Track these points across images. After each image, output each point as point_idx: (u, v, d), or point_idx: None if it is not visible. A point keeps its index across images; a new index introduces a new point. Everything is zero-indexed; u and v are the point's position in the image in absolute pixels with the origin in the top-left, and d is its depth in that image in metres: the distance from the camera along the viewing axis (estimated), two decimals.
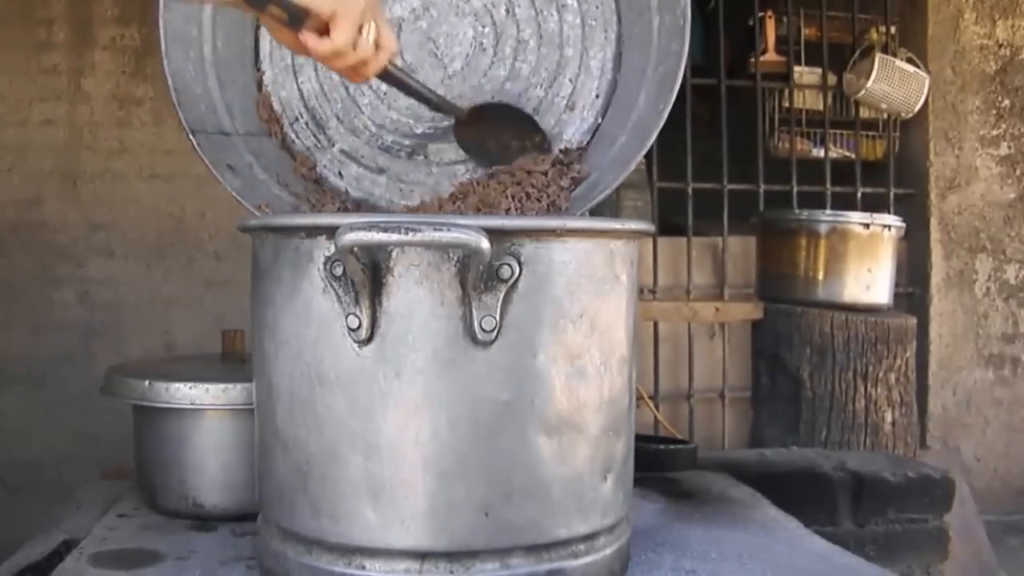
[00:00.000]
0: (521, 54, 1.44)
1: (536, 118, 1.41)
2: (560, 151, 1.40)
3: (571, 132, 1.43)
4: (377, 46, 1.12)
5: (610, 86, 1.43)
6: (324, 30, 1.07)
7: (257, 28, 1.45)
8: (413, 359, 0.92)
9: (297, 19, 1.06)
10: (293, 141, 1.46)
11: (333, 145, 1.46)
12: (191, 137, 1.31)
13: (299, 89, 1.45)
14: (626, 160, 1.30)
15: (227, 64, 1.40)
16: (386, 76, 1.21)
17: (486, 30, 1.44)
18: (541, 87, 1.44)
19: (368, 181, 1.45)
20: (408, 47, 1.44)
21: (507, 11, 1.43)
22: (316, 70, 1.45)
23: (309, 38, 1.07)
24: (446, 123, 1.44)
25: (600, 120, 1.42)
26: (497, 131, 1.38)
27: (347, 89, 1.45)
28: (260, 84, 1.45)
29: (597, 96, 1.43)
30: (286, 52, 1.45)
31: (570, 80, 1.43)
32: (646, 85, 1.36)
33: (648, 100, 1.35)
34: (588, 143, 1.42)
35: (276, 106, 1.45)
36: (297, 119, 1.45)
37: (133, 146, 3.10)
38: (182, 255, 3.13)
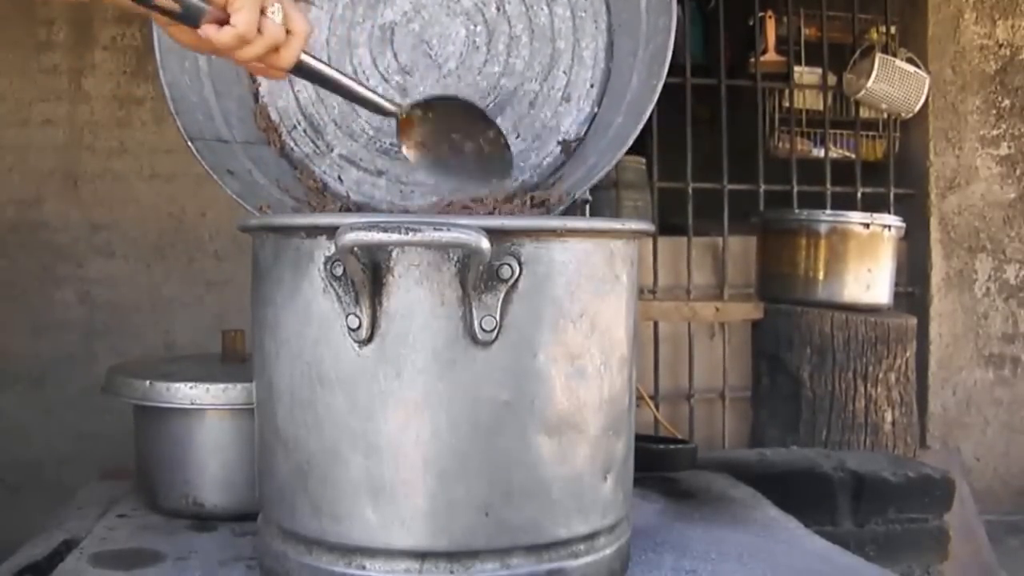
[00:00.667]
0: (514, 50, 1.44)
1: (494, 111, 1.36)
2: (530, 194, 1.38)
3: (568, 123, 1.43)
4: (287, 31, 1.02)
5: (604, 75, 1.43)
6: (224, 21, 0.98)
7: None
8: (413, 359, 0.92)
9: (192, 12, 0.97)
10: (292, 148, 1.46)
11: (332, 150, 1.46)
12: (190, 144, 1.31)
13: (295, 97, 1.45)
14: (622, 139, 1.30)
15: (222, 75, 1.40)
16: (304, 70, 1.08)
17: (478, 28, 1.44)
18: (536, 81, 1.44)
19: (368, 184, 1.45)
20: (402, 50, 1.44)
21: (498, 8, 1.44)
22: None
23: (210, 30, 0.98)
24: None
25: (597, 109, 1.43)
26: (447, 131, 1.27)
27: None
28: (256, 95, 1.45)
29: (592, 86, 1.43)
30: None
31: (564, 72, 1.44)
32: (638, 67, 1.36)
33: (640, 79, 1.35)
34: (586, 133, 1.43)
35: (273, 115, 1.45)
36: (295, 126, 1.45)
37: (133, 146, 3.10)
38: (182, 255, 3.14)
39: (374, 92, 1.22)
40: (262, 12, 0.99)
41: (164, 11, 0.97)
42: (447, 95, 1.38)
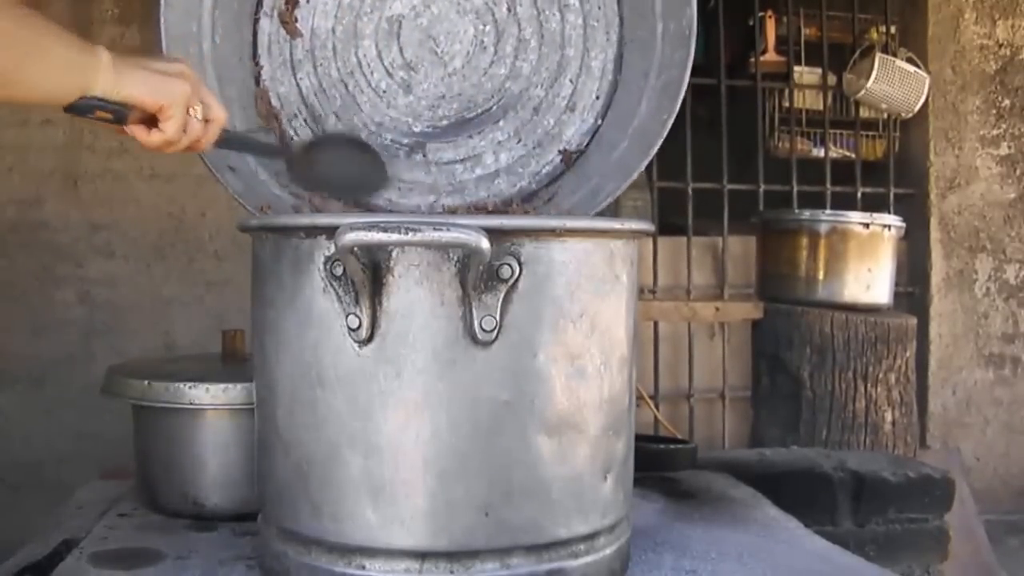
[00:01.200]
0: (522, 53, 1.44)
1: (376, 148, 1.43)
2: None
3: (570, 133, 1.43)
4: (207, 120, 1.10)
5: (611, 87, 1.43)
6: (151, 121, 1.06)
7: (256, 21, 1.44)
8: (413, 359, 0.92)
9: (122, 117, 1.04)
10: (292, 137, 1.45)
11: None
12: None
13: (298, 85, 1.45)
14: (629, 168, 1.31)
15: (225, 60, 1.39)
16: (220, 143, 1.17)
17: (487, 28, 1.44)
18: (542, 87, 1.44)
19: None
20: (408, 45, 1.44)
21: (509, 9, 1.43)
22: (315, 67, 1.45)
23: (138, 132, 1.06)
24: (445, 122, 1.44)
25: (600, 122, 1.43)
26: (332, 160, 1.37)
27: (346, 87, 1.44)
28: (258, 79, 1.44)
29: (597, 97, 1.43)
30: (285, 47, 1.44)
31: (571, 80, 1.43)
32: (648, 92, 1.36)
33: (650, 108, 1.35)
34: (587, 145, 1.42)
35: (274, 102, 1.44)
36: (295, 115, 1.45)
37: (133, 146, 3.05)
38: (182, 255, 3.14)
39: (279, 144, 1.38)
40: (187, 113, 1.07)
41: (99, 119, 1.04)
42: (334, 133, 1.44)
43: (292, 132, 1.45)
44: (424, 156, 1.45)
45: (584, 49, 1.43)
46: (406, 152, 1.45)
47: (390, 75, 1.44)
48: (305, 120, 1.45)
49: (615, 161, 1.36)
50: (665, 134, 1.29)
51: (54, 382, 3.01)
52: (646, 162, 1.30)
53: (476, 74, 1.44)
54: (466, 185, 1.44)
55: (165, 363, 1.47)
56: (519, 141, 1.44)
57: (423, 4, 1.44)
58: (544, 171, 1.43)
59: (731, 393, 3.33)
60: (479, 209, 1.41)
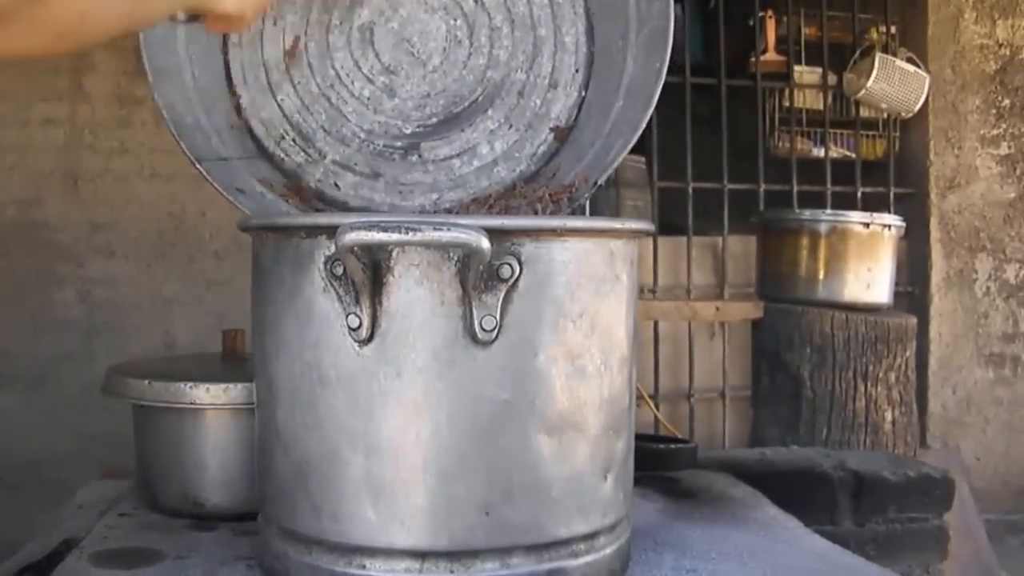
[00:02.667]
0: (497, 41, 1.45)
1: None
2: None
3: (558, 109, 1.44)
4: None
5: (587, 59, 1.44)
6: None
7: (225, 53, 1.41)
8: (413, 358, 0.92)
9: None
10: (283, 159, 1.43)
11: (324, 157, 1.44)
12: (198, 166, 1.29)
13: (280, 107, 1.43)
14: (633, 122, 1.32)
15: (207, 91, 1.37)
16: None
17: (458, 22, 1.45)
18: (522, 70, 1.45)
19: (366, 188, 1.44)
20: (384, 50, 1.43)
21: (475, 1, 1.44)
22: (294, 86, 1.44)
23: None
24: (434, 119, 1.45)
25: (584, 93, 1.44)
26: None
27: (329, 100, 1.43)
28: (239, 109, 1.42)
29: (577, 70, 1.44)
30: (260, 73, 1.42)
31: (549, 59, 1.45)
32: (631, 50, 1.37)
33: (638, 63, 1.36)
34: (576, 118, 1.43)
35: (258, 128, 1.42)
36: (283, 137, 1.43)
37: (134, 146, 3.10)
38: (183, 254, 3.14)
39: None
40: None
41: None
42: None
43: (282, 154, 1.43)
44: (420, 156, 1.45)
45: (555, 26, 1.45)
46: (401, 155, 1.45)
47: (371, 82, 1.44)
48: (294, 140, 1.42)
49: (615, 120, 1.37)
50: (661, 82, 1.30)
51: (54, 382, 3.01)
52: (649, 113, 1.31)
53: (456, 68, 1.45)
54: (466, 179, 1.44)
55: (165, 363, 1.47)
56: (510, 127, 1.45)
57: (390, 8, 1.43)
58: (540, 151, 1.44)
59: (731, 393, 3.34)
60: (483, 200, 1.41)
